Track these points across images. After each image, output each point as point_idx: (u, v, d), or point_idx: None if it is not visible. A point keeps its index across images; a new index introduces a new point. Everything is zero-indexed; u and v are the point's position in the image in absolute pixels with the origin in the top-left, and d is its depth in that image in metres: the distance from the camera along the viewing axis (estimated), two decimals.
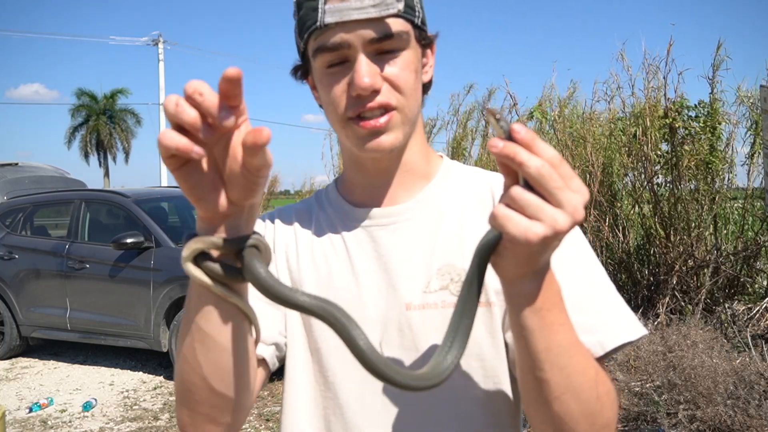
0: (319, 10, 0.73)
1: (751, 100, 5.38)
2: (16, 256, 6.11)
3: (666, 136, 5.48)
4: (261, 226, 0.91)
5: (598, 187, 5.86)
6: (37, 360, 6.23)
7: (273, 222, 0.91)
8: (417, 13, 0.78)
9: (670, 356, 3.78)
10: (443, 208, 0.85)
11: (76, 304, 5.72)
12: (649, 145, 5.46)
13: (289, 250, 0.88)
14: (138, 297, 5.35)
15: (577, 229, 0.81)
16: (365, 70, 0.74)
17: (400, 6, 0.74)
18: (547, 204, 0.52)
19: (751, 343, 4.14)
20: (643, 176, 5.71)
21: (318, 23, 0.74)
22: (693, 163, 5.28)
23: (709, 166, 5.27)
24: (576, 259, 0.78)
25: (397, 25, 0.75)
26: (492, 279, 0.77)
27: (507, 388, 0.79)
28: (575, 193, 0.53)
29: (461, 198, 0.86)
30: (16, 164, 8.36)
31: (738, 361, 3.79)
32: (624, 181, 6.07)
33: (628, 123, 5.73)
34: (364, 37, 0.74)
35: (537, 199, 0.52)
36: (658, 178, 5.66)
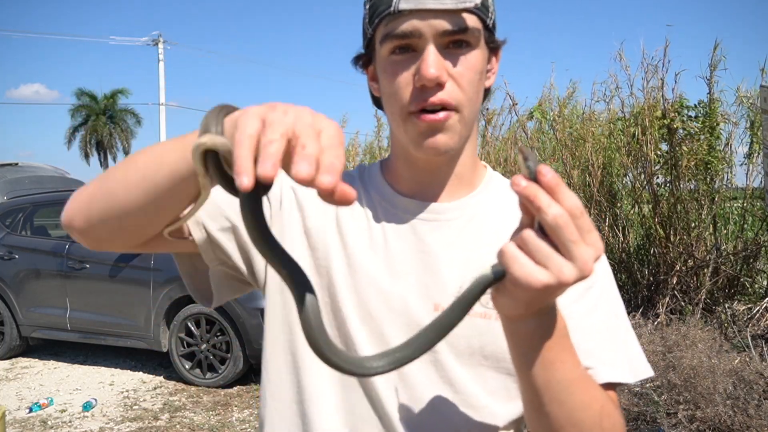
0: None
1: (750, 101, 5.39)
2: (16, 256, 6.11)
3: (665, 136, 5.49)
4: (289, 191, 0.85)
5: (597, 187, 5.87)
6: (37, 360, 6.23)
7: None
8: (490, 15, 0.76)
9: (669, 356, 3.79)
10: (484, 218, 0.83)
11: (76, 304, 5.72)
12: (649, 145, 5.47)
13: (319, 223, 0.83)
14: (138, 297, 5.35)
15: (604, 260, 0.82)
16: (433, 61, 0.71)
17: (478, 1, 0.72)
18: (557, 254, 0.51)
19: (750, 343, 4.15)
20: (642, 176, 5.71)
21: (392, 8, 0.71)
22: (692, 163, 5.28)
23: (708, 166, 5.27)
24: (600, 290, 0.79)
25: (471, 20, 0.73)
26: None
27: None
28: (589, 248, 0.51)
29: (502, 210, 0.84)
30: (16, 164, 8.36)
31: (738, 361, 3.79)
32: (624, 181, 6.08)
33: (628, 123, 5.74)
34: (436, 27, 0.71)
35: (548, 247, 0.51)
36: (657, 178, 5.67)
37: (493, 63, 0.81)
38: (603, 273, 0.81)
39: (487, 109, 8.39)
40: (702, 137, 5.26)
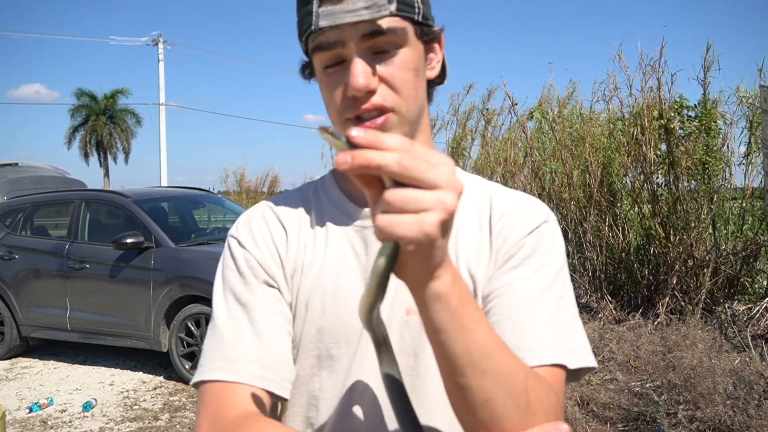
0: (314, 14, 0.75)
1: (749, 100, 5.40)
2: (16, 256, 6.11)
3: (662, 137, 5.50)
4: (250, 240, 0.84)
5: (597, 187, 5.87)
6: (37, 360, 6.23)
7: (263, 226, 0.86)
8: (416, 9, 0.77)
9: (669, 356, 3.79)
10: None
11: (76, 304, 5.72)
12: (648, 145, 5.47)
13: (286, 253, 0.84)
14: (138, 297, 5.35)
15: (558, 241, 0.82)
16: (359, 71, 0.74)
17: (392, 7, 0.74)
18: (425, 191, 0.50)
19: (750, 344, 4.15)
20: (642, 176, 5.72)
21: (313, 27, 0.75)
22: (689, 163, 5.29)
23: (706, 166, 5.28)
24: (540, 264, 0.78)
25: (391, 22, 0.74)
26: None
27: None
28: (441, 166, 0.51)
29: (460, 205, 0.83)
30: (16, 164, 8.36)
31: (738, 361, 3.79)
32: (623, 181, 6.08)
33: (628, 123, 5.74)
34: (355, 33, 0.74)
35: (414, 191, 0.50)
36: (657, 178, 5.67)
37: (436, 51, 0.83)
38: (555, 259, 0.80)
39: (487, 109, 8.39)
40: (699, 137, 5.27)
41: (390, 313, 0.79)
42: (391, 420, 0.76)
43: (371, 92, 0.75)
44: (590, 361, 0.75)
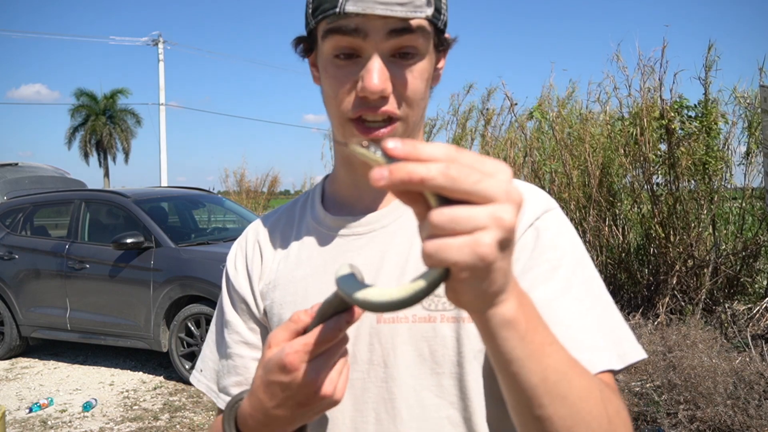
0: None
1: (747, 101, 5.40)
2: (16, 256, 6.11)
3: (663, 137, 5.49)
4: (231, 265, 0.90)
5: (597, 187, 5.87)
6: (37, 360, 6.23)
7: (250, 246, 0.89)
8: (442, 17, 0.72)
9: (670, 356, 3.79)
10: None
11: (76, 304, 5.72)
12: (647, 145, 5.47)
13: (260, 272, 0.87)
14: (138, 297, 5.35)
15: (567, 230, 0.76)
16: (378, 72, 0.69)
17: (429, 12, 0.68)
18: (477, 207, 0.43)
19: (751, 343, 4.15)
20: (641, 176, 5.71)
21: (338, 9, 0.67)
22: (690, 163, 5.29)
23: (706, 166, 5.28)
24: (570, 269, 0.72)
25: (420, 23, 0.70)
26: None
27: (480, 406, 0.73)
28: (496, 175, 0.44)
29: None
30: (16, 164, 8.36)
31: (738, 361, 3.79)
32: (623, 182, 6.08)
33: (627, 123, 5.74)
34: (384, 28, 0.68)
35: (464, 208, 0.43)
36: (657, 178, 5.67)
37: (442, 62, 0.79)
38: (570, 249, 0.74)
39: (487, 109, 8.39)
40: (699, 137, 5.27)
41: (359, 322, 0.73)
42: (374, 425, 0.75)
43: (384, 98, 0.71)
44: (639, 353, 0.70)
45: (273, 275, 0.85)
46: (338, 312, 0.59)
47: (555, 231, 0.75)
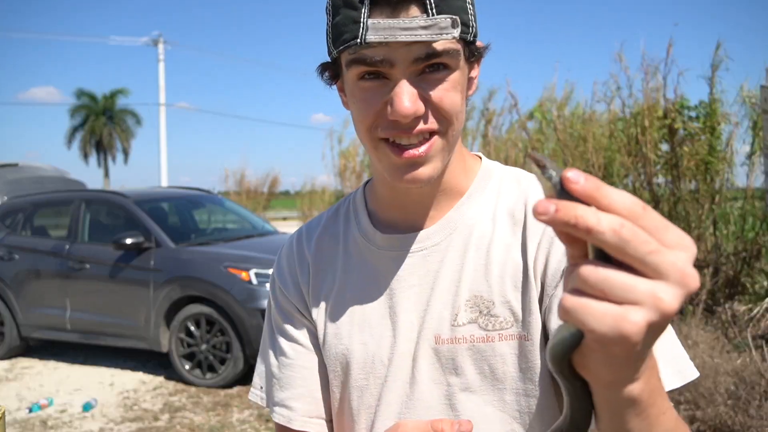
0: (361, 25, 0.65)
1: (753, 100, 5.39)
2: (16, 257, 6.11)
3: (665, 137, 5.49)
4: (280, 277, 0.90)
5: None
6: (37, 360, 6.22)
7: (294, 267, 0.89)
8: (471, 29, 0.70)
9: None
10: (472, 230, 0.79)
11: (76, 304, 5.72)
12: (648, 145, 5.47)
13: (309, 286, 0.86)
14: (138, 297, 5.35)
15: None
16: (407, 96, 0.67)
17: (456, 33, 0.66)
18: (640, 278, 0.38)
19: (751, 344, 4.14)
20: (642, 177, 5.71)
21: (359, 40, 0.65)
22: (692, 163, 5.28)
23: (709, 166, 5.27)
24: None
25: (447, 44, 0.67)
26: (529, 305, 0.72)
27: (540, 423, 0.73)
28: (677, 250, 0.38)
29: (492, 215, 0.79)
30: (16, 165, 8.35)
31: (739, 361, 3.79)
32: (624, 182, 6.08)
33: (629, 123, 5.74)
34: (407, 56, 0.66)
35: (623, 275, 0.38)
36: (658, 178, 5.67)
37: (475, 70, 0.77)
38: None
39: (488, 108, 8.39)
40: (702, 137, 5.26)
41: (418, 342, 0.76)
42: None
43: (417, 118, 0.69)
44: (694, 372, 0.68)
45: (321, 290, 0.85)
46: None
47: None
